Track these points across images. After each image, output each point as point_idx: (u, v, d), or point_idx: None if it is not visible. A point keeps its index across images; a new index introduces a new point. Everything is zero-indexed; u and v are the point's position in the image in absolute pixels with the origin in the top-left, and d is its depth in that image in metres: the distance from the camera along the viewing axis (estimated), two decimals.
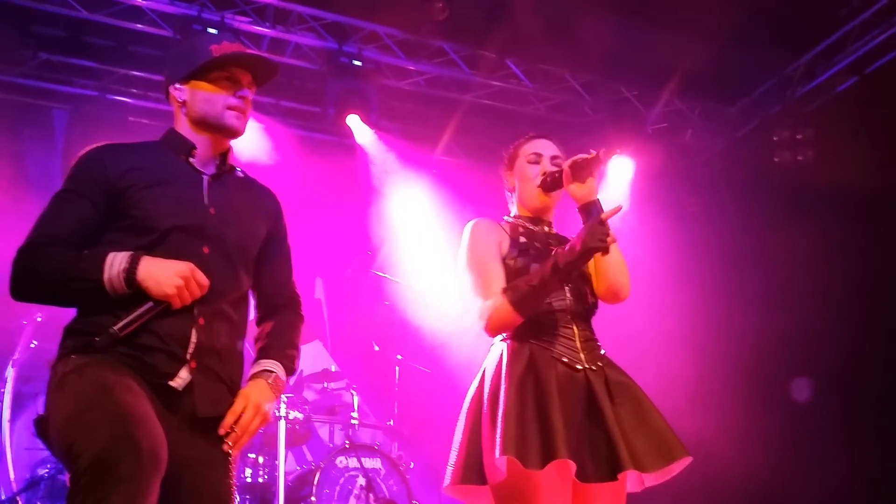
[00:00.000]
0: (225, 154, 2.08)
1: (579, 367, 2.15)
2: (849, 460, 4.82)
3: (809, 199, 5.22)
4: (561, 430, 1.99)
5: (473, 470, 2.11)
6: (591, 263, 2.30)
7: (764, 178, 5.63)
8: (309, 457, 5.30)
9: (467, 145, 6.28)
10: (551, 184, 2.32)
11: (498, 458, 1.99)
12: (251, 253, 2.03)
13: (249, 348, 2.12)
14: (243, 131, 2.04)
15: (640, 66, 5.48)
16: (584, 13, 4.89)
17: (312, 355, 5.61)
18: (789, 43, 5.36)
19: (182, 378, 1.83)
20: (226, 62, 2.00)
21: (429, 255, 5.52)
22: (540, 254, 2.25)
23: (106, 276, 1.76)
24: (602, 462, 2.05)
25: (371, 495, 4.27)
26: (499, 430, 2.01)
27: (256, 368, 2.00)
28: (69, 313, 1.90)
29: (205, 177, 2.01)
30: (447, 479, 2.15)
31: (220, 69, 2.00)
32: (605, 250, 2.06)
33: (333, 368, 5.23)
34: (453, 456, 2.17)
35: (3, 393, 4.32)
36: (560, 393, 2.08)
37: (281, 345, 2.05)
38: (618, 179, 5.93)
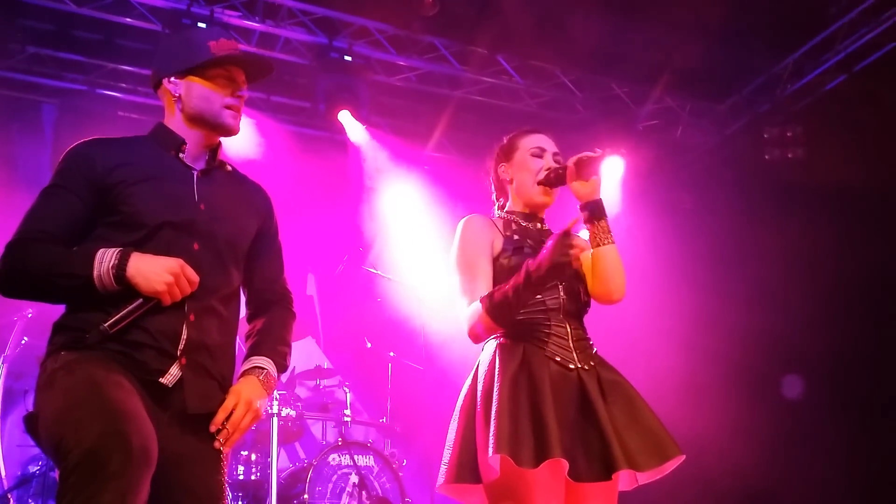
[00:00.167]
0: (215, 149, 2.06)
1: (572, 366, 2.15)
2: (838, 457, 4.85)
3: (799, 197, 5.25)
4: (555, 429, 1.99)
5: (467, 468, 2.10)
6: (586, 262, 2.31)
7: (754, 176, 5.65)
8: (301, 454, 5.29)
9: (458, 141, 6.28)
10: (555, 180, 2.30)
11: (491, 457, 1.98)
12: (241, 249, 2.02)
13: (241, 345, 2.11)
14: (238, 130, 2.04)
15: (631, 64, 5.49)
16: (575, 10, 4.90)
17: (305, 352, 5.60)
18: (778, 41, 5.39)
19: (172, 375, 1.82)
20: (225, 62, 1.99)
21: (421, 251, 5.52)
22: (534, 252, 2.24)
23: (95, 272, 1.75)
24: (595, 461, 2.05)
25: (364, 493, 4.27)
26: (492, 429, 2.01)
27: (248, 365, 1.99)
28: (60, 309, 1.89)
29: (194, 172, 2.00)
30: (441, 478, 2.14)
31: (219, 67, 1.99)
32: (569, 264, 2.04)
33: (326, 365, 5.23)
34: (447, 455, 2.16)
35: None
36: (553, 392, 2.07)
37: (272, 341, 2.05)
38: (608, 176, 5.94)
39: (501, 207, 2.44)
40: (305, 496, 4.12)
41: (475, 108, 5.95)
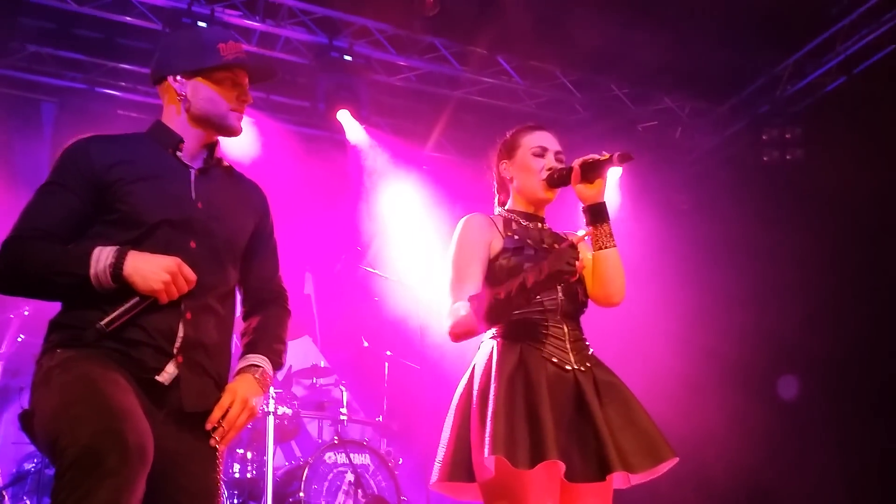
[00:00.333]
0: (212, 147, 2.07)
1: (568, 367, 2.15)
2: (835, 455, 4.87)
3: (798, 198, 5.26)
4: (551, 431, 1.99)
5: (461, 467, 2.10)
6: (586, 264, 2.30)
7: (753, 177, 5.66)
8: (298, 452, 5.29)
9: (457, 141, 6.28)
10: (558, 180, 2.29)
11: (487, 458, 1.99)
12: (238, 247, 2.02)
13: (238, 343, 2.11)
14: (241, 131, 2.05)
15: (631, 64, 5.49)
16: (576, 10, 4.90)
17: (302, 351, 5.60)
18: (778, 42, 5.39)
19: (169, 373, 1.82)
20: (234, 66, 1.99)
21: (419, 250, 5.52)
22: (534, 252, 2.24)
23: (92, 271, 1.75)
24: (590, 462, 2.05)
25: (360, 491, 4.27)
26: (488, 429, 2.01)
27: (243, 363, 2.00)
28: (57, 307, 1.88)
29: (192, 171, 2.00)
30: (434, 476, 2.15)
31: (226, 70, 1.99)
32: (572, 275, 2.02)
33: (323, 364, 5.23)
34: (441, 452, 2.16)
35: None
36: (550, 393, 2.07)
37: (268, 339, 2.05)
38: (607, 177, 5.93)
39: (502, 204, 2.43)
40: (301, 494, 4.12)
41: (475, 108, 5.96)
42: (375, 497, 4.32)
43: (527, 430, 2.01)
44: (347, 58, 5.21)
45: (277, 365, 2.05)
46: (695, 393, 5.02)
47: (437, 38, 5.40)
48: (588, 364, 2.20)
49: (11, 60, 5.10)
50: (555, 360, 2.15)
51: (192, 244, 1.90)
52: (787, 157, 5.52)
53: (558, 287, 2.20)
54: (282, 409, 4.40)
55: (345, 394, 4.76)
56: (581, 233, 2.21)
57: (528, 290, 2.04)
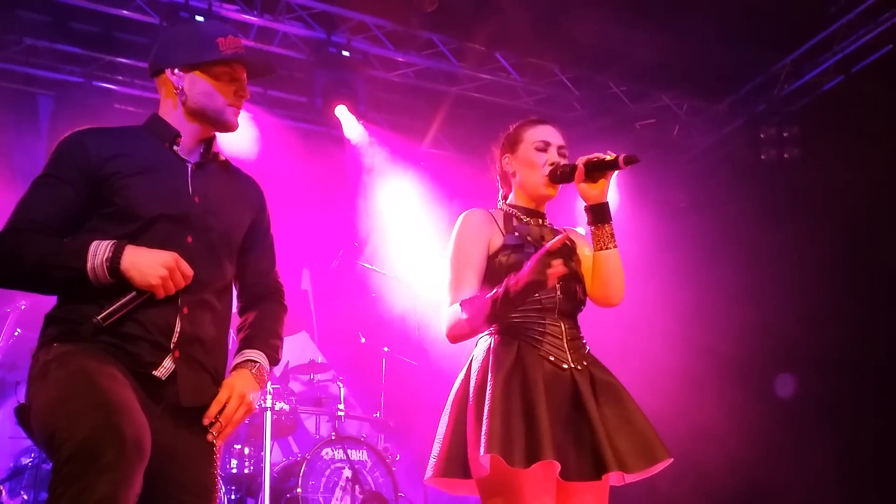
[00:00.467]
0: (209, 142, 2.06)
1: (565, 366, 2.14)
2: (832, 452, 4.88)
3: (795, 197, 5.27)
4: (547, 430, 1.99)
5: (457, 463, 2.10)
6: (586, 263, 2.30)
7: (750, 175, 5.67)
8: (295, 448, 5.29)
9: (455, 138, 6.28)
10: (560, 177, 2.26)
11: (482, 456, 1.98)
12: (235, 242, 2.02)
13: (234, 338, 2.11)
14: (238, 126, 2.04)
15: (629, 62, 5.49)
16: (574, 8, 4.90)
17: (299, 346, 5.60)
18: (776, 41, 5.39)
19: (166, 367, 1.82)
20: (232, 61, 1.98)
21: (416, 247, 5.52)
22: (534, 250, 2.21)
23: (89, 265, 1.74)
24: (586, 461, 2.05)
25: (357, 487, 4.27)
26: (484, 427, 2.00)
27: (240, 358, 1.99)
28: (53, 301, 1.88)
29: (189, 165, 1.99)
30: (429, 472, 2.14)
31: (225, 65, 1.98)
32: (545, 284, 1.98)
33: (320, 360, 5.23)
34: (436, 448, 2.16)
35: None
36: (547, 391, 2.07)
37: (264, 335, 2.04)
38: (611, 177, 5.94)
39: (504, 197, 2.41)
40: (298, 490, 4.12)
41: (472, 104, 5.95)
42: (372, 493, 4.32)
43: (523, 429, 2.00)
44: (345, 53, 5.20)
45: (274, 360, 2.04)
46: (693, 390, 5.04)
47: (435, 34, 5.39)
48: (585, 363, 2.19)
49: (8, 53, 5.08)
50: (552, 358, 2.14)
51: (189, 239, 1.89)
52: (785, 155, 5.54)
53: (556, 285, 2.18)
54: (279, 405, 4.40)
55: (342, 390, 4.76)
56: (581, 230, 2.20)
57: (510, 300, 2.03)
